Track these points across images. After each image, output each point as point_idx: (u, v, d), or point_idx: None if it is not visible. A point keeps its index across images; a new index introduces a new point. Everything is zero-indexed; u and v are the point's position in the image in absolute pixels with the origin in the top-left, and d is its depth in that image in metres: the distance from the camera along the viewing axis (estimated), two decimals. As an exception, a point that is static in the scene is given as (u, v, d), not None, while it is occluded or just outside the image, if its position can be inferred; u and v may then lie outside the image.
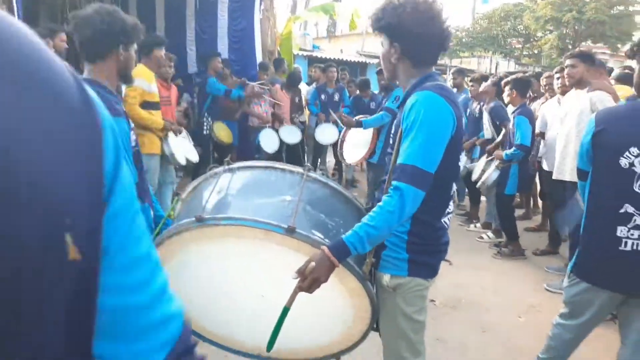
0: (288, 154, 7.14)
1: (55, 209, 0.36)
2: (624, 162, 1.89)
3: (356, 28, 10.15)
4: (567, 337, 2.24)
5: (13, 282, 0.35)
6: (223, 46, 7.48)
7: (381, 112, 4.66)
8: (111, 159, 0.46)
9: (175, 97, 5.12)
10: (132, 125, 2.00)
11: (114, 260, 0.47)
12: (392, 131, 1.69)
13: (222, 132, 6.15)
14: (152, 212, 2.01)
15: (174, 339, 0.53)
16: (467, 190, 6.16)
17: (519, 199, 6.04)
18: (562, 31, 23.18)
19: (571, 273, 2.15)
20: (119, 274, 0.48)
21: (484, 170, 5.05)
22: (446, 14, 1.60)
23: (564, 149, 3.78)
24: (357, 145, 4.78)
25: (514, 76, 4.74)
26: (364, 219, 1.48)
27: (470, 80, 5.82)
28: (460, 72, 6.33)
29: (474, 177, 5.23)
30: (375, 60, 10.87)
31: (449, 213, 1.72)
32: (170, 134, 4.37)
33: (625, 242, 1.92)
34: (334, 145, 7.21)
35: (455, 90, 6.24)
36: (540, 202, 5.91)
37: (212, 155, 6.54)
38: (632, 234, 1.91)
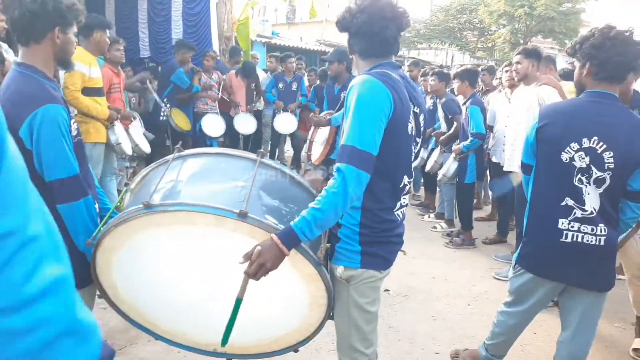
0: (245, 143, 7.04)
1: None
2: (565, 156, 1.95)
3: (316, 16, 10.08)
4: (511, 323, 2.33)
5: None
6: (177, 30, 7.23)
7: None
8: None
9: (124, 83, 4.91)
10: (74, 113, 1.88)
11: None
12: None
13: (181, 119, 6.00)
14: (97, 205, 1.90)
15: None
16: (422, 180, 6.30)
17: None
18: (514, 26, 23.94)
19: (516, 264, 2.22)
20: None
21: (438, 162, 5.17)
22: (390, 12, 1.63)
23: (513, 142, 3.91)
24: (320, 142, 4.74)
25: (462, 68, 4.85)
26: (311, 204, 1.49)
27: (421, 75, 5.91)
28: (416, 64, 6.40)
29: (427, 168, 5.35)
30: (334, 49, 10.80)
31: (403, 206, 1.72)
32: (117, 122, 4.18)
33: (566, 234, 1.99)
34: (292, 135, 7.17)
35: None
36: (490, 193, 6.11)
37: (167, 142, 6.36)
38: (573, 226, 1.98)
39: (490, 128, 4.94)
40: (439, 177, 4.99)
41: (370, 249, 1.64)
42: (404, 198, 1.72)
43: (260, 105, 7.17)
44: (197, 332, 1.82)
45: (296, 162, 7.30)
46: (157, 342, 1.92)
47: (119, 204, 1.88)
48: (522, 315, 2.28)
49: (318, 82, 7.03)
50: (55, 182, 1.63)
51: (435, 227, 5.31)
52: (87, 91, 3.83)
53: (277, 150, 7.79)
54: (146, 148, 4.82)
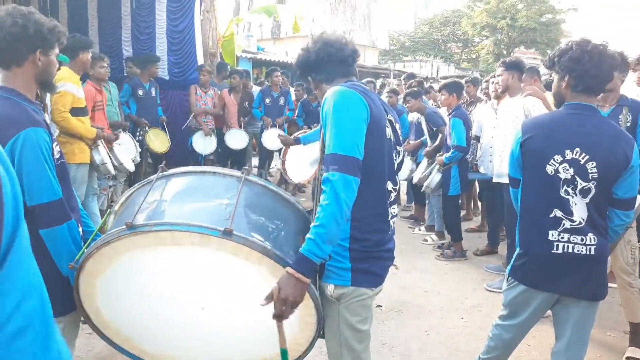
0: (234, 159, 7.01)
1: None
2: (549, 169, 1.96)
3: (300, 31, 10.15)
4: (506, 337, 2.30)
5: None
6: (162, 47, 7.19)
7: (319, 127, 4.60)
8: (10, 221, 0.45)
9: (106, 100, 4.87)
10: (56, 134, 1.83)
11: None
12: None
13: (157, 140, 5.92)
14: (80, 228, 1.85)
15: None
16: (412, 192, 6.30)
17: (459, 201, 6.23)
18: (497, 37, 24.42)
19: (509, 276, 2.21)
20: None
21: (425, 173, 5.18)
22: (341, 39, 1.76)
23: (502, 153, 3.92)
24: (303, 162, 4.70)
25: (448, 80, 4.91)
26: (312, 224, 1.48)
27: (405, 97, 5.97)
28: (395, 92, 6.46)
29: (415, 180, 5.35)
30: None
31: (393, 216, 1.71)
32: (101, 142, 4.14)
33: (557, 245, 1.99)
34: (280, 150, 7.14)
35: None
36: (479, 204, 6.12)
37: (146, 161, 6.29)
38: (563, 237, 1.98)
39: (477, 139, 4.97)
40: (423, 187, 4.99)
41: (361, 266, 1.61)
42: (392, 208, 1.70)
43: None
44: (185, 356, 1.76)
45: (284, 176, 7.25)
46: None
47: (103, 226, 1.83)
48: (517, 328, 2.26)
49: (305, 96, 7.04)
50: (37, 207, 1.60)
51: (426, 240, 5.29)
52: (74, 111, 3.81)
53: (266, 165, 7.76)
54: (130, 166, 4.78)
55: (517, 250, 2.17)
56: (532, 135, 2.02)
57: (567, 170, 1.93)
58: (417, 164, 5.62)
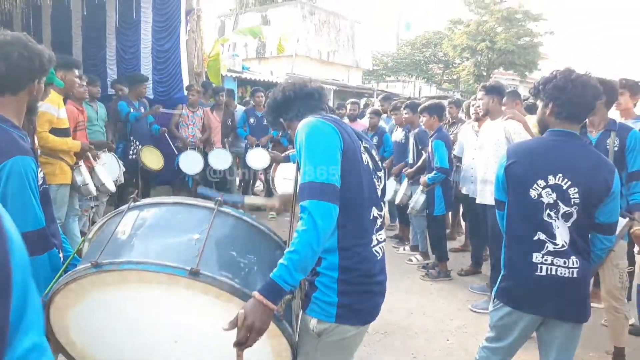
0: (219, 179, 6.97)
1: None
2: (533, 193, 2.00)
3: (284, 51, 10.25)
4: (494, 359, 2.31)
5: None
6: (147, 66, 7.20)
7: None
8: (19, 293, 0.53)
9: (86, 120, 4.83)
10: (39, 153, 1.80)
11: None
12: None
13: (151, 158, 5.91)
14: (61, 254, 1.82)
15: None
16: (397, 212, 6.33)
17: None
18: (477, 59, 25.00)
19: (495, 298, 2.23)
20: None
21: (406, 193, 5.22)
22: (301, 78, 1.86)
23: (484, 175, 3.99)
24: (292, 179, 4.72)
25: (430, 102, 4.98)
26: (286, 249, 1.43)
27: (392, 110, 6.06)
28: (377, 114, 6.56)
29: (397, 200, 5.39)
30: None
31: (380, 242, 1.67)
32: (82, 163, 4.10)
33: (541, 268, 2.02)
34: (265, 169, 7.13)
35: (369, 129, 6.47)
36: (463, 223, 6.18)
37: (138, 179, 6.26)
38: (546, 260, 2.01)
39: (458, 160, 5.05)
40: (409, 209, 5.04)
41: (348, 301, 1.55)
42: (379, 234, 1.66)
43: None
44: None
45: (269, 196, 7.25)
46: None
47: (76, 255, 1.82)
48: (504, 350, 2.27)
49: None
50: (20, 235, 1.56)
51: (410, 260, 5.31)
52: (55, 132, 3.74)
53: (250, 183, 7.75)
54: (111, 187, 4.72)
55: (502, 272, 2.20)
56: (516, 160, 2.07)
57: (550, 195, 1.97)
58: (401, 184, 5.67)
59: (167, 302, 1.48)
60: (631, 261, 3.44)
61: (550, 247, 2.00)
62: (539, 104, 2.11)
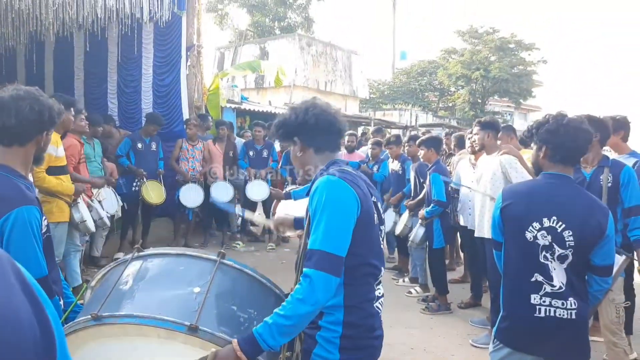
0: (218, 213, 7.00)
1: None
2: (529, 235, 2.03)
3: (281, 85, 10.43)
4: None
5: None
6: (147, 100, 7.31)
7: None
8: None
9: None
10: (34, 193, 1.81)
11: None
12: (305, 213, 1.69)
13: (153, 192, 5.98)
14: (61, 301, 1.83)
15: None
16: (396, 243, 6.33)
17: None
18: (472, 87, 25.39)
19: (495, 338, 2.23)
20: None
21: (407, 225, 5.25)
22: (332, 108, 1.77)
23: (481, 209, 4.03)
24: (293, 216, 4.74)
25: (427, 136, 5.08)
26: (277, 309, 1.42)
27: (387, 144, 6.16)
28: (378, 144, 6.66)
29: (397, 232, 5.41)
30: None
31: (379, 297, 1.67)
32: (80, 199, 4.13)
33: (539, 309, 2.03)
34: (264, 202, 7.15)
35: (370, 159, 6.56)
36: (462, 254, 6.18)
37: (138, 212, 6.31)
38: (544, 301, 2.03)
39: (456, 191, 5.09)
40: (409, 242, 5.06)
41: (349, 357, 1.55)
42: (378, 289, 1.68)
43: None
44: None
45: (268, 229, 7.25)
46: None
47: (78, 301, 1.83)
48: None
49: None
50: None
51: (410, 292, 5.29)
52: (53, 170, 3.77)
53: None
54: (107, 221, 4.76)
55: (501, 312, 2.20)
56: (512, 202, 2.11)
57: (545, 237, 2.00)
58: (400, 215, 5.70)
59: (166, 355, 1.48)
60: (630, 294, 3.44)
61: (548, 288, 2.02)
62: (533, 146, 2.17)
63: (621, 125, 3.57)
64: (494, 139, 4.09)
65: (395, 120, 20.04)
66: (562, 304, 2.00)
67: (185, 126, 6.70)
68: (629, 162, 3.45)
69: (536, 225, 2.01)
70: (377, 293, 1.66)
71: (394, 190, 6.01)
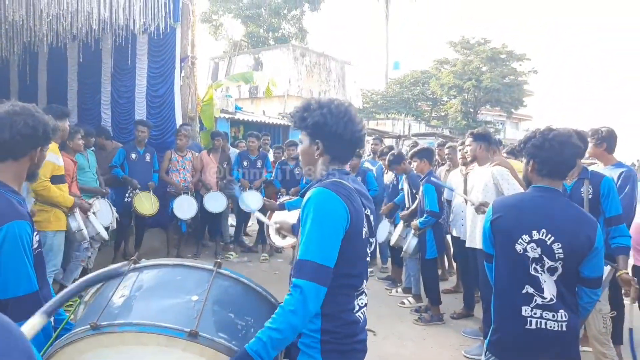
0: (212, 224, 7.00)
1: None
2: (518, 247, 2.05)
3: (272, 95, 10.53)
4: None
5: None
6: (141, 111, 7.31)
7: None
8: None
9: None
10: (33, 203, 1.82)
11: None
12: (297, 220, 1.70)
13: (144, 205, 5.97)
14: (51, 318, 1.82)
15: None
16: (389, 253, 6.35)
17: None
18: (464, 97, 25.62)
19: (486, 350, 2.25)
20: None
21: (402, 235, 5.27)
22: (359, 118, 1.75)
23: (473, 219, 4.07)
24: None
25: (419, 147, 5.11)
26: (267, 323, 1.44)
27: (380, 156, 6.21)
28: (357, 156, 6.67)
29: (392, 242, 5.44)
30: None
31: (361, 307, 1.69)
32: (77, 209, 4.14)
33: (530, 321, 2.05)
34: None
35: (351, 171, 6.60)
36: (454, 264, 6.21)
37: (131, 223, 6.31)
38: (535, 313, 2.05)
39: (449, 202, 5.13)
40: (402, 253, 5.08)
41: (332, 359, 1.56)
42: (360, 299, 1.68)
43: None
44: None
45: (261, 237, 7.25)
46: None
47: (71, 316, 1.82)
48: None
49: (283, 158, 7.19)
50: (12, 300, 1.58)
51: (403, 303, 5.30)
52: (54, 179, 3.83)
53: (243, 226, 7.77)
54: (105, 235, 4.75)
55: (492, 325, 2.22)
56: (501, 215, 2.14)
57: (535, 249, 2.03)
58: (395, 225, 5.72)
59: None
60: (618, 304, 3.47)
61: (539, 300, 2.04)
62: (523, 160, 2.21)
63: (604, 138, 3.64)
64: (485, 151, 4.14)
65: (389, 129, 20.16)
66: (553, 316, 2.02)
67: (176, 137, 6.70)
68: (615, 172, 3.51)
69: (526, 237, 2.04)
70: (358, 302, 1.67)
71: (387, 201, 6.04)
